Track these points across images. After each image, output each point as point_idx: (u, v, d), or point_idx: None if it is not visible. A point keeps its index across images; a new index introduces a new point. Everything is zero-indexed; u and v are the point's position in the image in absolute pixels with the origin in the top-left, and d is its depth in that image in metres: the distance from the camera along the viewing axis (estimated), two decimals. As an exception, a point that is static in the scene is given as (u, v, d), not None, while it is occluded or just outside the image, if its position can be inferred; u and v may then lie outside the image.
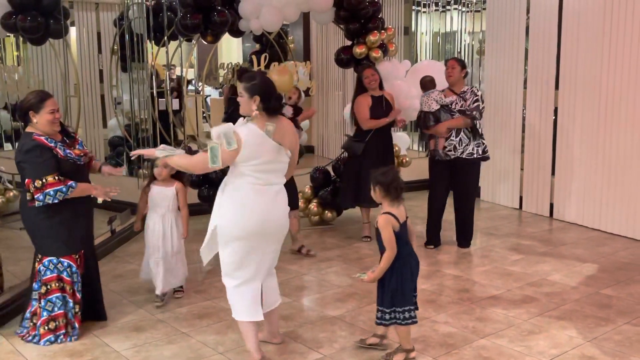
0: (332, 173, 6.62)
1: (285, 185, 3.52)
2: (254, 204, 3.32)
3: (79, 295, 3.93)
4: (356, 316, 4.22)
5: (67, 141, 3.87)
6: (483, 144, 5.56)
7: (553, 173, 6.92)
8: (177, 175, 4.47)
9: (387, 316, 3.46)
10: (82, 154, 3.89)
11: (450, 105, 5.45)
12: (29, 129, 3.78)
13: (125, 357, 3.65)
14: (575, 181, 6.64)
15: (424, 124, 5.53)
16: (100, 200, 3.83)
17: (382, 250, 3.46)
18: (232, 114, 5.91)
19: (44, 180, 3.63)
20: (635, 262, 5.35)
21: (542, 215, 7.04)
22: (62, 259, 3.84)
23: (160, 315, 4.27)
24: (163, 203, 4.40)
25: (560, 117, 6.76)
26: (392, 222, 3.39)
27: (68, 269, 3.86)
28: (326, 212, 6.55)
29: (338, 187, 6.47)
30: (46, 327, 3.82)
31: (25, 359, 3.63)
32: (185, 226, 4.52)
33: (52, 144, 3.74)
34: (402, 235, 3.44)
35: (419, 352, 3.64)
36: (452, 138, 5.46)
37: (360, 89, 5.90)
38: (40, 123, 3.75)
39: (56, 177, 3.66)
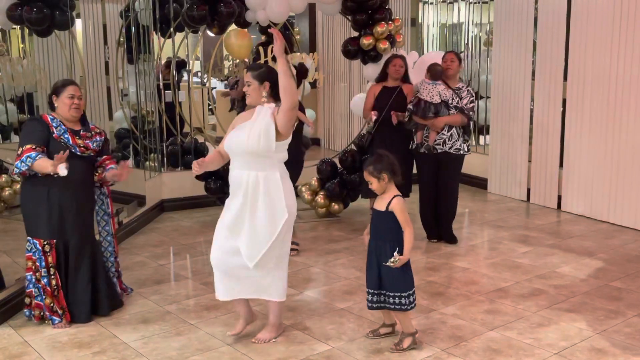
0: (338, 165, 6.59)
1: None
2: (290, 183, 3.68)
3: (43, 282, 3.92)
4: (364, 308, 4.18)
5: (83, 132, 3.91)
6: (467, 140, 5.56)
7: (561, 165, 6.87)
8: None
9: (412, 298, 3.54)
10: (82, 145, 3.87)
11: (447, 101, 5.42)
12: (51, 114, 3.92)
13: (134, 348, 3.65)
14: (583, 173, 6.60)
15: (422, 113, 5.43)
16: (61, 173, 3.51)
17: (384, 231, 3.51)
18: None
19: (23, 148, 3.71)
20: (645, 255, 5.32)
21: (550, 208, 7.01)
22: (34, 239, 3.90)
23: (168, 307, 4.27)
24: None
25: (568, 109, 6.71)
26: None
27: (35, 251, 3.91)
28: (333, 204, 6.53)
29: (345, 179, 6.45)
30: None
31: (34, 350, 3.64)
32: None
33: (54, 124, 3.81)
34: None
35: (427, 344, 3.63)
36: (443, 132, 5.42)
37: (380, 75, 5.93)
38: (60, 107, 3.87)
39: (34, 146, 3.69)
